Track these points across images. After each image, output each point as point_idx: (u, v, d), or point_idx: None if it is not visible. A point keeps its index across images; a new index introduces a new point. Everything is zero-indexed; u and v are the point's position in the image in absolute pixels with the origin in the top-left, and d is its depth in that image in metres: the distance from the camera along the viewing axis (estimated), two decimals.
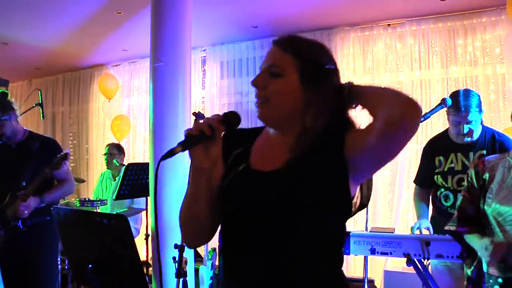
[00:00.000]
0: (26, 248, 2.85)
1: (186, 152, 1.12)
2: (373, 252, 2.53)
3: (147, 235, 3.82)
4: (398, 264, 4.00)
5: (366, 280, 2.99)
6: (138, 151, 6.11)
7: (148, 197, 3.79)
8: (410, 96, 1.08)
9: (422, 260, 2.52)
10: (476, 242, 2.00)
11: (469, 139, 2.75)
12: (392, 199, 4.58)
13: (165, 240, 3.13)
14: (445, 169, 2.85)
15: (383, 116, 1.07)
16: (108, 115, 6.01)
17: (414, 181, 3.16)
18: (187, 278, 2.48)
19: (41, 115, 3.85)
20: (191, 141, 1.12)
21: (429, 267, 2.95)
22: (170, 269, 2.59)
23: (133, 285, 1.76)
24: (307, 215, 1.12)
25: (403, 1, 4.16)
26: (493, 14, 4.20)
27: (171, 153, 1.07)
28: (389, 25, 4.68)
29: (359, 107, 1.17)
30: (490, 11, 4.21)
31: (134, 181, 3.72)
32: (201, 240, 1.33)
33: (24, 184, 2.81)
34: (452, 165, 2.82)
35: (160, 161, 1.08)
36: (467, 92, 2.73)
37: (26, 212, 2.74)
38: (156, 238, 3.29)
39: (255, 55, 5.32)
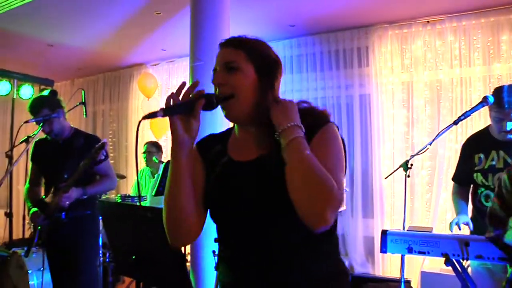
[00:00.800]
0: (68, 239, 2.97)
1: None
2: (410, 251, 2.50)
3: None
4: (435, 265, 3.93)
5: (402, 280, 2.95)
6: None
7: None
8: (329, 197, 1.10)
9: (461, 260, 2.47)
10: None
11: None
12: (430, 199, 4.50)
13: (204, 235, 3.20)
14: (486, 167, 2.77)
15: (297, 206, 1.12)
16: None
17: (453, 179, 3.09)
18: None
19: (84, 113, 3.98)
20: (171, 109, 1.19)
21: (469, 269, 2.88)
22: (208, 262, 2.65)
23: (174, 278, 1.80)
24: None
25: None
26: None
27: (153, 115, 1.15)
28: (428, 22, 4.59)
29: None
30: None
31: None
32: (188, 238, 1.32)
33: (66, 176, 2.92)
34: (493, 162, 2.74)
35: (140, 120, 1.16)
36: (511, 88, 2.64)
37: (67, 202, 2.83)
38: None
39: (292, 53, 5.33)
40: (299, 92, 5.22)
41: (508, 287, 2.01)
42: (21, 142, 3.24)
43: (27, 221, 4.88)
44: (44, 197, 3.06)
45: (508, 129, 2.63)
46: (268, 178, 1.20)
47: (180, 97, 1.22)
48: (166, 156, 5.99)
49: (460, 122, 2.99)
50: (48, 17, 4.61)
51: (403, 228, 2.96)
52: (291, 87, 5.29)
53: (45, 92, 5.11)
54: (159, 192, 3.77)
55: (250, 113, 1.27)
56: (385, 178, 3.95)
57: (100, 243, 3.38)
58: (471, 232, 2.91)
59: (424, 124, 4.61)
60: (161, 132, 5.89)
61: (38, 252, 3.64)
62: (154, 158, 4.75)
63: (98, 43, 5.55)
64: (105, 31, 5.10)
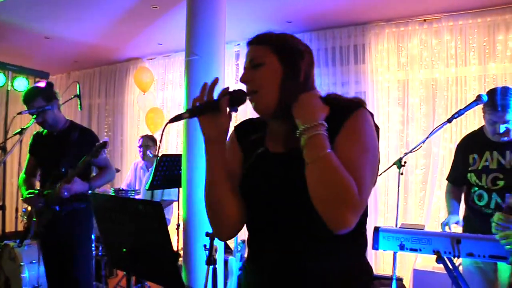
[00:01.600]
0: (63, 232, 2.99)
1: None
2: (402, 248, 2.51)
3: (178, 225, 3.90)
4: (427, 263, 3.95)
5: (394, 277, 2.96)
6: (171, 143, 6.22)
7: (181, 188, 3.87)
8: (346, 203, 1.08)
9: (452, 258, 2.48)
10: None
11: (505, 138, 2.68)
12: (423, 197, 4.51)
13: (195, 230, 3.20)
14: (480, 167, 2.79)
15: (319, 208, 1.11)
16: (142, 107, 6.14)
17: (447, 179, 3.11)
18: (216, 266, 2.53)
19: (79, 106, 3.97)
20: (197, 109, 1.23)
21: (460, 268, 2.90)
22: (200, 257, 2.65)
23: (165, 272, 1.81)
24: None
25: None
26: None
27: (178, 117, 1.20)
28: (425, 20, 4.60)
29: None
30: None
31: (167, 172, 3.81)
32: (229, 229, 1.33)
33: (63, 170, 2.93)
34: (487, 163, 2.76)
35: (167, 123, 1.22)
36: (505, 90, 2.65)
37: (66, 194, 2.85)
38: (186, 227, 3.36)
39: None
40: None
41: None
42: (14, 134, 3.24)
43: (20, 213, 4.88)
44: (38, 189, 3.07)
45: (501, 131, 2.64)
46: (294, 173, 1.19)
47: (205, 97, 1.25)
48: (161, 151, 6.00)
49: (454, 121, 3.00)
50: (45, 9, 4.58)
51: (396, 226, 2.97)
52: None
53: (40, 83, 5.10)
54: (152, 186, 3.76)
55: (275, 106, 1.25)
56: (379, 175, 3.95)
57: (93, 236, 3.39)
58: (463, 231, 2.93)
59: (419, 122, 4.62)
60: (157, 127, 5.88)
61: (32, 245, 3.64)
62: (148, 152, 4.75)
63: (95, 36, 5.52)
64: (102, 24, 5.08)
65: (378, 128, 1.28)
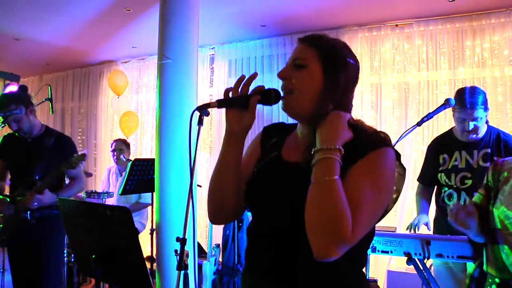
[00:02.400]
0: (33, 240, 2.91)
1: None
2: (373, 250, 2.55)
3: (152, 230, 3.86)
4: (401, 264, 4.00)
5: (367, 278, 2.99)
6: (146, 147, 6.16)
7: (154, 193, 3.83)
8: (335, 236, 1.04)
9: (423, 259, 2.52)
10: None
11: (474, 136, 2.75)
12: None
13: (168, 234, 3.17)
14: (449, 167, 2.85)
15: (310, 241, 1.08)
16: (116, 111, 6.06)
17: (418, 179, 3.17)
18: (188, 271, 2.50)
19: (51, 110, 3.90)
20: (227, 102, 1.24)
21: (432, 269, 2.95)
22: (173, 262, 2.62)
23: (135, 277, 1.78)
24: None
25: (411, 1, 4.16)
26: (502, 15, 4.18)
27: (207, 105, 1.20)
28: (397, 25, 4.68)
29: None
30: (499, 12, 4.19)
31: (140, 176, 3.77)
32: (223, 215, 1.37)
33: (37, 177, 2.87)
34: (456, 163, 2.83)
35: (194, 110, 1.19)
36: (473, 89, 2.73)
37: (36, 204, 2.80)
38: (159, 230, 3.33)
39: (263, 53, 5.34)
40: None
41: (473, 285, 2.05)
42: None
43: None
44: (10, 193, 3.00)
45: (470, 128, 2.71)
46: (299, 185, 1.15)
47: (239, 90, 1.25)
48: (136, 154, 5.94)
49: (426, 124, 3.06)
50: (15, 10, 4.49)
51: None
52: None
53: (12, 86, 4.98)
54: (125, 191, 3.71)
55: (307, 113, 1.23)
56: None
57: (65, 242, 3.33)
58: (434, 232, 2.99)
59: (392, 125, 4.69)
60: (131, 130, 5.82)
61: None
62: (121, 156, 4.69)
63: (67, 39, 5.43)
64: (75, 26, 4.99)
65: (405, 169, 1.25)
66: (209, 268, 3.68)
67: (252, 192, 1.29)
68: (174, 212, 3.20)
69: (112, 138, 5.89)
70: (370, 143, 1.15)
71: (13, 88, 5.32)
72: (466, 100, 2.67)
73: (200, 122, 1.22)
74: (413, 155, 4.49)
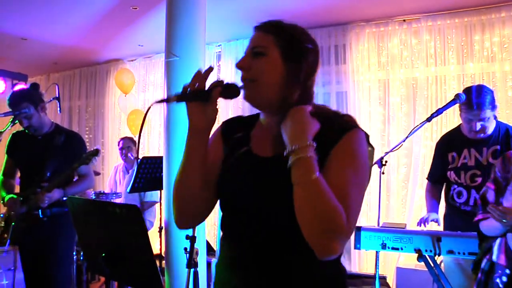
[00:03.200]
0: (44, 237, 2.94)
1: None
2: (384, 247, 2.53)
3: (160, 228, 3.86)
4: (410, 261, 3.98)
5: (377, 276, 2.98)
6: (153, 145, 6.17)
7: (162, 190, 3.83)
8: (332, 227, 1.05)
9: (433, 256, 2.51)
10: (492, 223, 1.94)
11: (481, 135, 2.73)
12: (405, 196, 4.55)
13: (178, 232, 3.17)
14: (458, 165, 2.83)
15: (304, 232, 1.08)
16: (124, 109, 6.07)
17: (427, 178, 3.15)
18: (198, 269, 2.51)
19: (58, 108, 3.92)
20: (186, 95, 1.17)
21: (442, 265, 2.93)
22: (182, 260, 2.62)
23: (144, 275, 1.78)
24: None
25: None
26: None
27: (166, 100, 1.16)
28: (404, 20, 4.64)
29: None
30: (509, 5, 4.13)
31: (149, 174, 3.77)
32: (188, 219, 1.32)
33: (48, 175, 2.88)
34: (465, 160, 2.80)
35: (152, 103, 1.16)
36: (479, 89, 2.69)
37: (47, 202, 2.81)
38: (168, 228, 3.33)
39: None
40: None
41: (482, 277, 2.03)
42: None
43: None
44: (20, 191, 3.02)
45: (477, 129, 2.69)
46: (276, 180, 1.15)
47: (196, 85, 1.19)
48: (143, 152, 5.95)
49: (435, 120, 3.04)
50: (21, 9, 4.50)
51: (378, 225, 2.99)
52: None
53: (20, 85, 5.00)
54: (134, 189, 3.72)
55: (272, 101, 1.21)
56: None
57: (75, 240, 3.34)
58: (444, 229, 2.97)
59: (400, 122, 4.66)
60: (138, 129, 5.81)
61: (10, 251, 3.56)
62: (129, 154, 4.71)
63: (74, 38, 5.44)
64: (81, 26, 5.00)
65: (373, 148, 1.25)
66: None
67: (225, 190, 1.25)
68: None
69: (120, 136, 5.90)
70: (339, 129, 1.16)
71: (22, 86, 5.35)
72: (473, 100, 2.64)
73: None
74: (421, 151, 4.45)
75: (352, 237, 2.51)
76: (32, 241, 2.94)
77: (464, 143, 2.83)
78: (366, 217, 4.67)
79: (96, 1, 4.31)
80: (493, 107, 2.66)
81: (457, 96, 2.71)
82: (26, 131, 3.05)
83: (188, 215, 1.31)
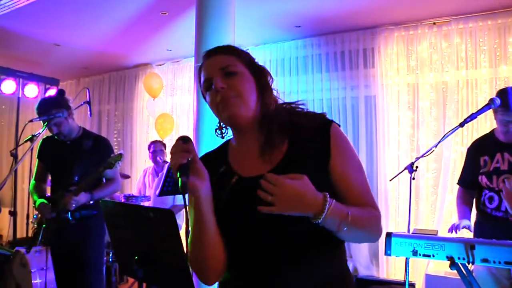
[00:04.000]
0: (73, 239, 3.00)
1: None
2: (415, 254, 2.48)
3: (187, 231, 3.89)
4: (440, 268, 3.91)
5: (407, 283, 2.93)
6: None
7: None
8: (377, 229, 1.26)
9: (467, 264, 2.45)
10: None
11: None
12: (435, 201, 4.47)
13: None
14: (490, 169, 2.76)
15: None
16: (152, 113, 6.15)
17: (458, 182, 3.08)
18: None
19: (89, 112, 3.99)
20: (185, 169, 1.15)
21: (473, 274, 2.86)
22: None
23: (177, 279, 1.80)
24: None
25: None
26: None
27: (183, 186, 1.14)
28: (434, 23, 4.57)
29: None
30: None
31: None
32: (217, 273, 1.28)
33: (76, 179, 2.94)
34: (498, 164, 2.73)
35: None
36: None
37: (74, 205, 2.87)
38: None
39: (298, 54, 5.32)
40: (305, 93, 5.20)
41: None
42: (25, 141, 3.25)
43: (30, 219, 4.90)
44: (51, 195, 3.09)
45: None
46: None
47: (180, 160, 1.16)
48: None
49: (466, 125, 2.98)
50: (54, 16, 4.63)
51: (408, 231, 2.94)
52: (296, 88, 5.28)
53: (51, 90, 5.12)
54: (163, 192, 3.76)
55: (256, 115, 1.26)
56: (390, 180, 3.94)
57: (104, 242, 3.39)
58: (475, 237, 2.89)
59: (429, 126, 4.58)
60: (166, 132, 5.89)
61: (42, 251, 3.65)
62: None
63: (104, 43, 5.56)
64: (111, 31, 5.11)
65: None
66: None
67: (228, 224, 1.23)
68: None
69: (148, 140, 5.98)
70: (319, 128, 1.25)
71: (51, 92, 5.48)
72: (509, 101, 2.58)
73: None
74: (452, 156, 4.37)
75: (382, 243, 2.48)
76: (62, 243, 3.01)
77: (497, 147, 2.76)
78: (394, 223, 4.61)
79: (126, 8, 4.40)
80: None
81: (492, 100, 2.65)
82: (56, 137, 3.12)
83: (211, 272, 1.28)
